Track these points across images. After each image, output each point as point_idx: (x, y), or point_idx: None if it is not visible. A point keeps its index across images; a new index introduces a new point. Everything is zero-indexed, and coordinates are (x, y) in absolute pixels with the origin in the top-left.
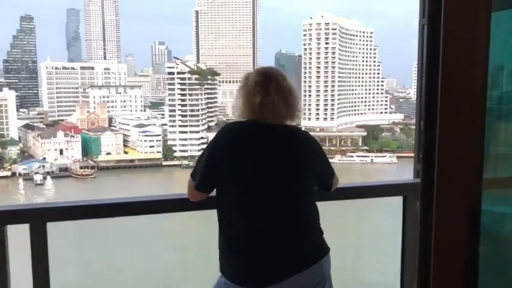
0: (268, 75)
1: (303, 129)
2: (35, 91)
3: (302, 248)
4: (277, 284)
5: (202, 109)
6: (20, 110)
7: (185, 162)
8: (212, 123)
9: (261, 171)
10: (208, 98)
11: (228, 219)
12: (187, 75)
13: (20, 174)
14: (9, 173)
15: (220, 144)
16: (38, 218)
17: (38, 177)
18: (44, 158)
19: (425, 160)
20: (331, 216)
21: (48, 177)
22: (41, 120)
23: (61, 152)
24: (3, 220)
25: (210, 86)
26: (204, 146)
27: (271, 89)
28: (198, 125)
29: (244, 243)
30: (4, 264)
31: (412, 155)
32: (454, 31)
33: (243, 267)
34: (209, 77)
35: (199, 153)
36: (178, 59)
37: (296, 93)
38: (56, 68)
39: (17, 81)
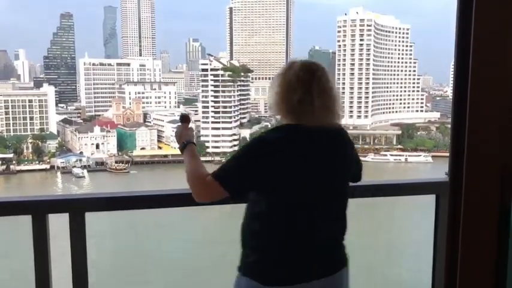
0: (312, 71)
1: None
2: (73, 87)
3: (338, 248)
4: (332, 276)
5: (234, 106)
6: (59, 105)
7: (217, 158)
8: (244, 120)
9: (311, 178)
10: (241, 95)
11: (280, 224)
12: (220, 72)
13: (58, 168)
14: (48, 166)
15: (266, 155)
16: (77, 208)
17: (78, 171)
18: (81, 152)
19: (454, 158)
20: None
21: (85, 171)
22: (79, 115)
23: (97, 146)
24: (45, 209)
25: (242, 83)
26: (236, 143)
27: (313, 88)
28: (230, 122)
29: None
30: (46, 251)
31: (448, 154)
32: (485, 29)
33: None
34: (242, 73)
35: (231, 150)
36: (211, 55)
37: (337, 95)
38: (93, 64)
39: (56, 77)
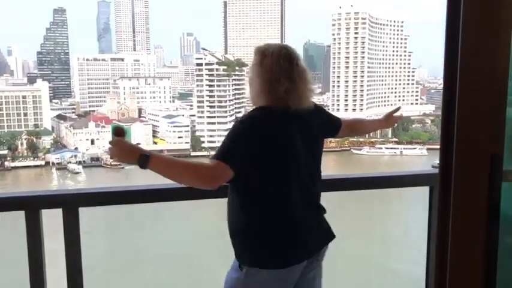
0: (291, 59)
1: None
2: (67, 82)
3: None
4: (318, 252)
5: (230, 100)
6: (53, 100)
7: (213, 153)
8: (239, 114)
9: (296, 156)
10: (235, 89)
11: (270, 205)
12: (215, 66)
13: (53, 164)
14: (43, 162)
15: (258, 133)
16: (70, 203)
17: (74, 166)
18: (76, 148)
19: (444, 148)
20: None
21: (80, 167)
22: (73, 110)
23: (92, 142)
24: (38, 205)
25: (237, 77)
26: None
27: (295, 76)
28: (225, 116)
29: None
30: (40, 247)
31: None
32: (474, 15)
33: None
34: (237, 68)
35: None
36: (206, 50)
37: (311, 76)
38: (87, 60)
39: (50, 72)
